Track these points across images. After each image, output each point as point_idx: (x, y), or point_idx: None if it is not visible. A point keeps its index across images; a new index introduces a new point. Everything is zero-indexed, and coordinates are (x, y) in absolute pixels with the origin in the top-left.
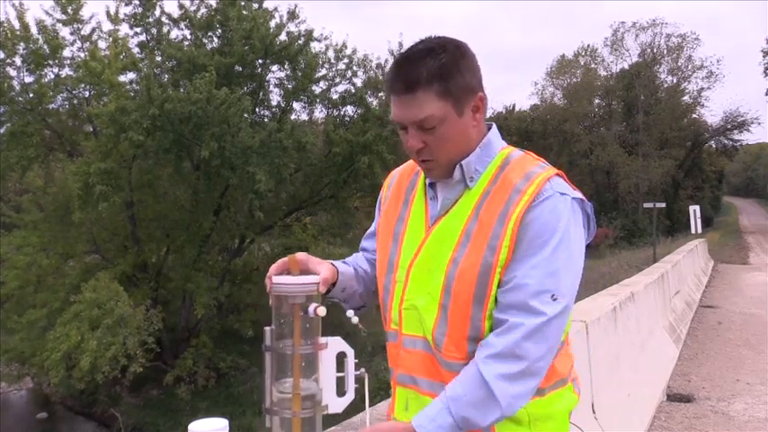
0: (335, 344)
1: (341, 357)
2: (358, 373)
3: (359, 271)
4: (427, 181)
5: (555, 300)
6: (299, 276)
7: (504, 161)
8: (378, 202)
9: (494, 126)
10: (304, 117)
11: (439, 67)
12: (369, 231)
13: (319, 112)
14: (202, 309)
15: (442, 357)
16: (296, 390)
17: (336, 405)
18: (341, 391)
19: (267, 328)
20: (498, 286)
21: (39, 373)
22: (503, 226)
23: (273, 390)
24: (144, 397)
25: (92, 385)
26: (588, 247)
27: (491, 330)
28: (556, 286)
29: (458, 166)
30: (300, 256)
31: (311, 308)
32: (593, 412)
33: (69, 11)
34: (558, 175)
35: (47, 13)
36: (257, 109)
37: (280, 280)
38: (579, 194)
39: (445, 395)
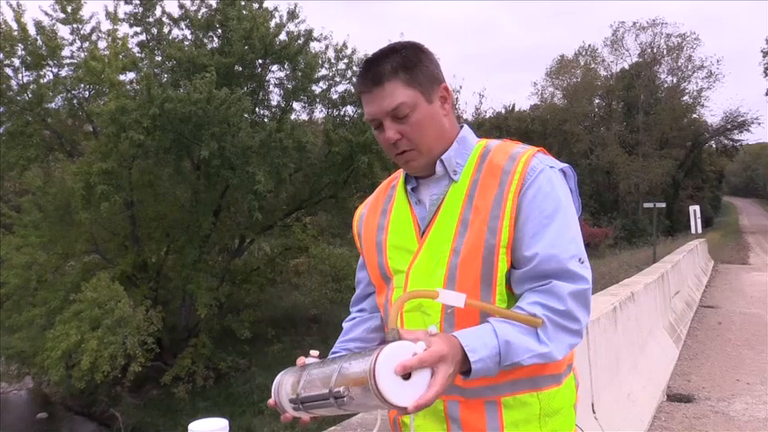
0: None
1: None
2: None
3: (350, 346)
4: (408, 187)
5: (582, 263)
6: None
7: (485, 150)
8: (358, 225)
9: (465, 125)
10: (304, 117)
11: (401, 59)
12: (360, 263)
13: (319, 112)
14: (204, 309)
15: None
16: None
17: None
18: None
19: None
20: (518, 267)
21: (39, 373)
22: (500, 207)
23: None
24: (144, 397)
25: (92, 385)
26: (588, 246)
27: None
28: (578, 249)
29: (438, 161)
30: None
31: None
32: (594, 412)
33: (69, 10)
34: (540, 151)
35: (46, 13)
36: (257, 109)
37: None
38: (563, 165)
39: (492, 322)
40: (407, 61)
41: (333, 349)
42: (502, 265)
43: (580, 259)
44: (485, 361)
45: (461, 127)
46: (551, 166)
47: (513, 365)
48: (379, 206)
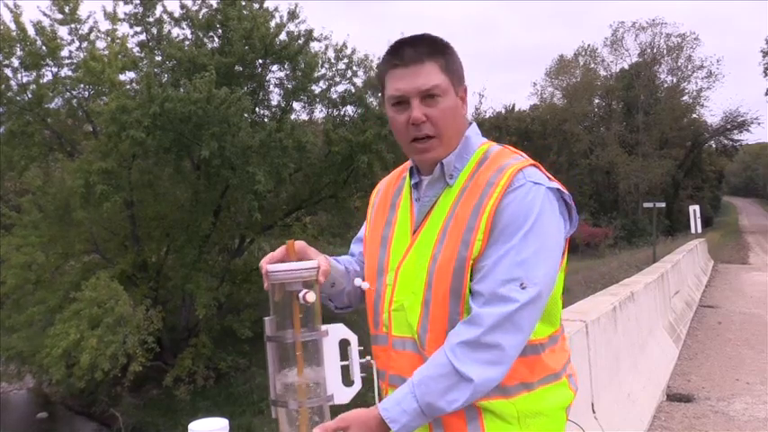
0: (338, 331)
1: (345, 345)
2: (363, 360)
3: (350, 270)
4: (412, 181)
5: (524, 288)
6: (295, 263)
7: (483, 157)
8: (369, 210)
9: (473, 123)
10: (304, 117)
11: (440, 45)
12: (357, 236)
13: (319, 112)
14: (203, 309)
15: (426, 355)
16: (300, 379)
17: (343, 395)
18: (347, 381)
19: (267, 319)
20: (471, 277)
21: (39, 372)
22: (476, 219)
23: (277, 381)
24: (144, 397)
25: (92, 384)
26: (588, 246)
27: None
28: (525, 274)
29: (438, 164)
30: (299, 244)
31: (300, 294)
32: (593, 412)
33: (66, 10)
34: (532, 165)
35: (44, 14)
36: (257, 109)
37: (276, 267)
38: (556, 184)
39: (412, 380)
40: (445, 48)
41: (338, 257)
42: (470, 278)
43: (521, 284)
44: (408, 426)
45: (469, 125)
46: (536, 183)
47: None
48: (389, 197)
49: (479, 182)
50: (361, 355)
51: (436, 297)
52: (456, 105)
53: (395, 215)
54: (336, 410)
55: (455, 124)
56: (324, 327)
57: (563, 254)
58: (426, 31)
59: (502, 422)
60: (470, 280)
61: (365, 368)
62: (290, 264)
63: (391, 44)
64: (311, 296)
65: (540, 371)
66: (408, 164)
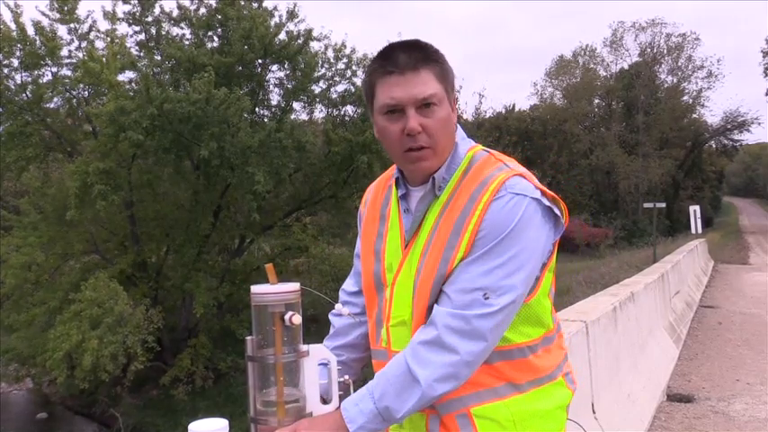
0: (318, 351)
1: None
2: (342, 380)
3: (343, 359)
4: (399, 193)
5: (486, 298)
6: (278, 285)
7: (468, 165)
8: (358, 221)
9: (458, 127)
10: (304, 117)
11: (435, 51)
12: (356, 251)
13: (319, 112)
14: (202, 309)
15: None
16: (279, 398)
17: (321, 412)
18: (325, 399)
19: (248, 338)
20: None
21: (38, 373)
22: (458, 236)
23: (258, 399)
24: (144, 397)
25: (93, 384)
26: (588, 246)
27: None
28: (490, 284)
29: (430, 178)
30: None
31: (287, 316)
32: (594, 412)
33: (65, 9)
34: (517, 175)
35: (43, 13)
36: (257, 109)
37: (258, 290)
38: (539, 194)
39: (371, 381)
40: (439, 56)
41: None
42: None
43: (485, 294)
44: (365, 427)
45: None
46: (517, 194)
47: (402, 418)
48: (377, 207)
49: (462, 195)
50: (339, 374)
51: (417, 313)
52: (450, 115)
53: (385, 227)
54: None
55: (449, 134)
56: (305, 347)
57: (551, 256)
58: (423, 34)
59: (496, 425)
60: None
61: (342, 387)
62: (274, 286)
63: (381, 49)
64: (297, 319)
65: (529, 373)
66: (393, 172)
